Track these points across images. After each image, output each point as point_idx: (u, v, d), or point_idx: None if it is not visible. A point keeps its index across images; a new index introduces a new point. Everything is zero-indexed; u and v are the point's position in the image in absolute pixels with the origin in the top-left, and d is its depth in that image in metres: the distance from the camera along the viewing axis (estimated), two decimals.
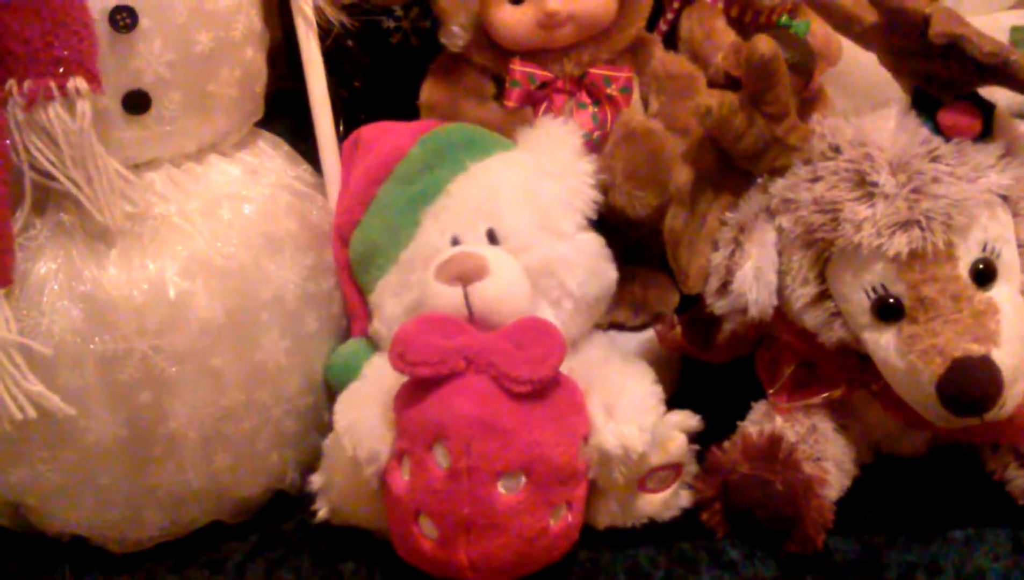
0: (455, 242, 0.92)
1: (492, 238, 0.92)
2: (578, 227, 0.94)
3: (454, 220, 0.94)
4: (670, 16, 1.13)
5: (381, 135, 1.02)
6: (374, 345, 0.98)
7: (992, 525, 0.88)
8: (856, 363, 0.89)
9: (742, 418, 0.95)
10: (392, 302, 0.95)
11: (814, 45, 1.07)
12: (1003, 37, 1.18)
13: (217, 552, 0.95)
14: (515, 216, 0.93)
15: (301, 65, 1.06)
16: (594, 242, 0.95)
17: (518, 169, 0.96)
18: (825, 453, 0.91)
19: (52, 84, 0.85)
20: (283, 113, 1.09)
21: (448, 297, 0.88)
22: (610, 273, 0.96)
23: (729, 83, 1.04)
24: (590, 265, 0.94)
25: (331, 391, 0.96)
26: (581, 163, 0.96)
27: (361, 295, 1.00)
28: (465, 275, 0.88)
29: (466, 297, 0.88)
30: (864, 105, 0.94)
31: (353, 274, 1.01)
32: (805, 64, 1.06)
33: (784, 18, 1.10)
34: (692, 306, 0.98)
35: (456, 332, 0.86)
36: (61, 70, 0.85)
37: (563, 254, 0.92)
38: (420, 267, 0.92)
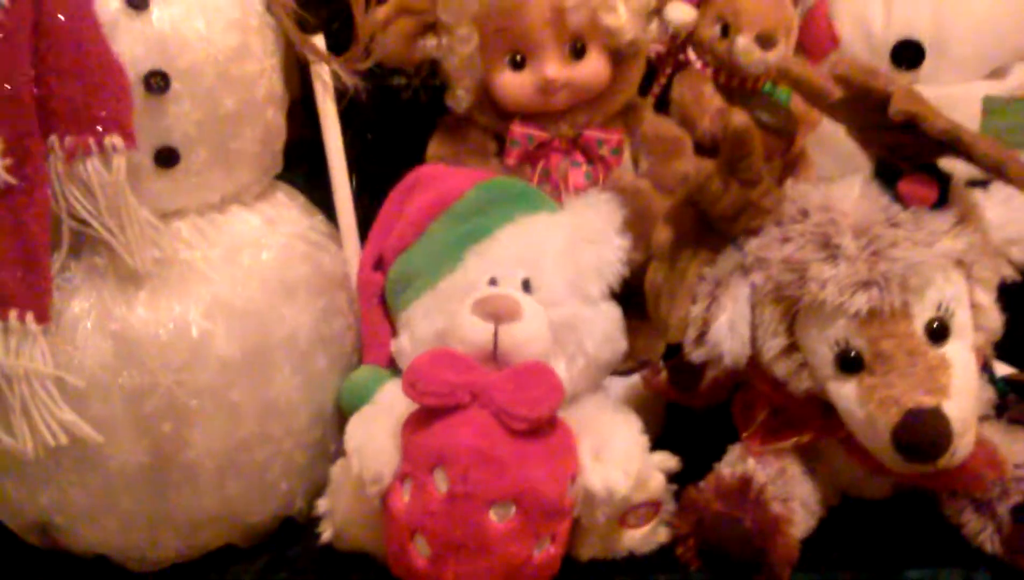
0: (493, 283, 0.96)
1: (526, 286, 0.96)
2: (603, 295, 0.98)
3: (495, 263, 0.97)
4: (663, 80, 1.19)
5: (442, 176, 1.06)
6: (386, 373, 1.01)
7: (948, 565, 0.92)
8: (823, 411, 0.91)
9: (719, 460, 0.97)
10: (423, 322, 0.98)
11: (795, 110, 1.13)
12: (977, 106, 1.22)
13: (228, 574, 0.98)
14: (551, 272, 0.96)
15: (316, 117, 1.10)
16: (615, 312, 0.98)
17: (561, 230, 0.99)
18: (793, 494, 0.93)
19: (91, 141, 0.88)
20: (299, 162, 1.12)
21: (479, 330, 0.92)
22: (622, 343, 0.99)
23: (716, 145, 1.08)
24: (607, 332, 0.97)
25: (340, 419, 0.99)
26: (618, 237, 0.99)
27: (384, 320, 1.03)
28: (499, 314, 0.92)
29: (496, 334, 0.92)
30: (844, 165, 0.98)
31: (386, 295, 1.04)
32: (787, 128, 1.12)
33: (767, 85, 1.16)
34: (677, 354, 1.00)
35: (466, 369, 0.89)
36: (100, 128, 0.88)
37: (587, 316, 0.96)
38: (456, 298, 0.95)
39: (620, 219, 1.00)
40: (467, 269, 0.98)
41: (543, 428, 0.88)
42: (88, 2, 0.89)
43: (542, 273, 0.97)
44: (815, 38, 1.27)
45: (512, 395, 0.87)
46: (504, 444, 0.86)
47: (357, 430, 0.92)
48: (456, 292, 0.97)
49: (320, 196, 1.13)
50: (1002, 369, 1.05)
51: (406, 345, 0.99)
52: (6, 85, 0.88)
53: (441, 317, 0.97)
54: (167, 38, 0.92)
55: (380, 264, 1.06)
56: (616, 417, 0.95)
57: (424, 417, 0.88)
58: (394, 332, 1.03)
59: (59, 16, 0.88)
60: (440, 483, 0.86)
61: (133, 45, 0.91)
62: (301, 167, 1.13)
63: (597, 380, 1.00)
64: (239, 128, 0.98)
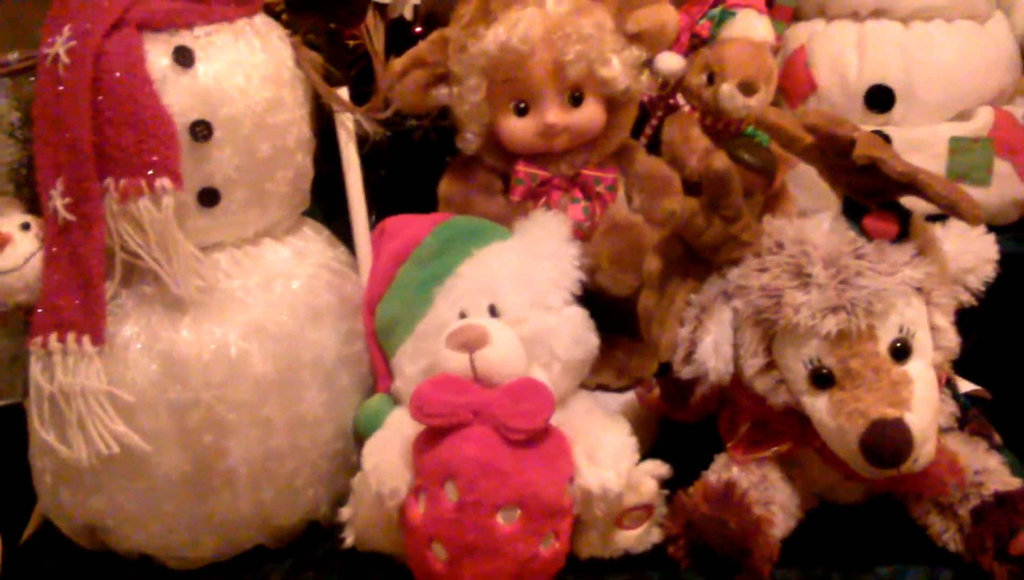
0: (462, 315, 1.02)
1: (493, 312, 1.02)
2: (565, 302, 1.04)
3: (461, 297, 1.04)
4: (654, 123, 1.28)
5: (402, 225, 1.13)
6: (396, 400, 1.07)
7: (914, 563, 0.98)
8: (799, 423, 0.97)
9: (707, 468, 1.03)
10: (410, 366, 1.05)
11: (776, 150, 1.19)
12: (944, 146, 1.29)
13: (259, 571, 1.05)
14: (512, 294, 1.02)
15: (333, 153, 1.17)
16: (578, 314, 1.05)
17: (514, 254, 1.06)
18: (773, 498, 0.99)
19: (143, 183, 0.95)
20: (319, 195, 1.18)
21: (456, 361, 0.98)
22: (592, 340, 1.05)
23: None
24: (575, 334, 1.03)
25: (359, 437, 1.05)
26: (568, 248, 1.06)
27: (385, 358, 1.10)
28: (470, 343, 0.98)
29: (472, 361, 0.98)
30: (821, 200, 1.05)
31: (378, 340, 1.10)
32: (768, 167, 1.19)
33: (750, 128, 1.23)
34: (668, 373, 1.03)
35: (465, 390, 0.96)
36: (151, 172, 0.96)
37: (552, 325, 1.02)
38: (433, 337, 1.02)
39: (567, 231, 1.07)
40: (437, 308, 1.05)
41: (539, 437, 0.94)
42: (140, 60, 0.97)
43: (504, 296, 1.03)
44: (794, 84, 1.36)
45: (509, 410, 0.94)
46: (505, 454, 0.93)
47: (373, 452, 0.99)
48: (432, 332, 1.03)
49: (337, 226, 1.20)
50: (964, 386, 1.12)
51: (401, 387, 1.06)
52: (67, 134, 0.96)
53: (424, 358, 1.03)
54: (210, 92, 1.00)
55: None
56: (605, 421, 1.01)
57: (431, 436, 0.95)
58: (391, 375, 1.09)
59: (115, 73, 0.96)
60: (451, 493, 0.92)
61: (180, 98, 0.99)
62: (319, 199, 1.19)
63: (577, 379, 1.06)
64: (273, 171, 1.06)
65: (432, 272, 1.07)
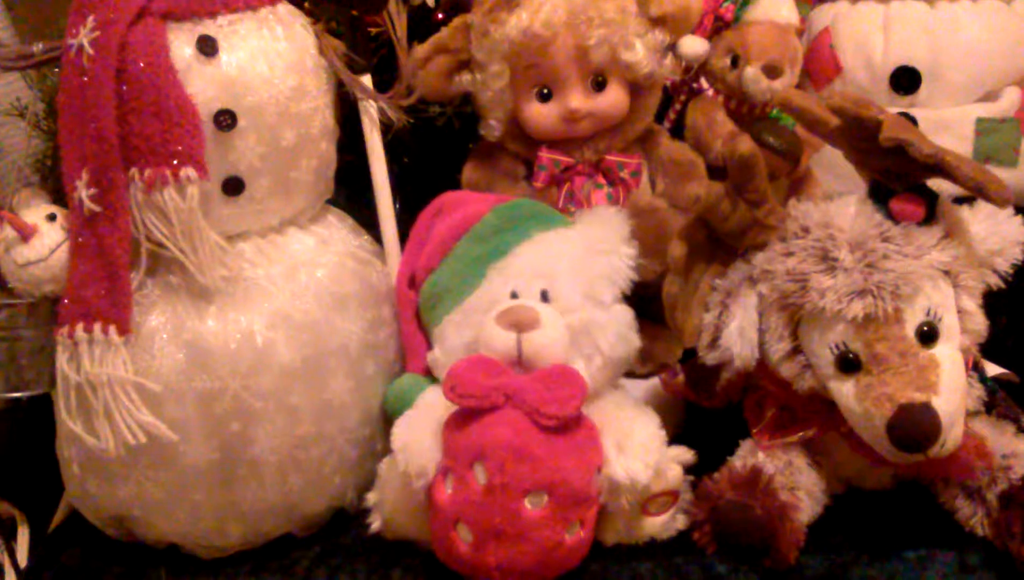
0: (514, 295, 1.02)
1: (544, 297, 1.02)
2: (615, 299, 1.04)
3: (515, 277, 1.04)
4: (678, 107, 1.27)
5: (462, 201, 1.13)
6: (425, 380, 1.07)
7: (942, 547, 0.98)
8: (826, 408, 0.98)
9: (733, 454, 1.03)
10: (454, 335, 1.05)
11: (800, 133, 1.19)
12: (970, 127, 1.29)
13: (287, 559, 1.05)
14: (566, 282, 1.03)
15: (357, 141, 1.17)
16: (626, 313, 1.05)
17: (573, 243, 1.06)
18: (799, 484, 0.99)
19: (168, 172, 0.96)
20: (343, 183, 1.18)
21: (504, 339, 0.98)
22: (635, 340, 1.05)
23: (727, 167, 1.16)
24: (620, 332, 1.03)
25: (387, 420, 1.06)
26: (626, 246, 1.06)
27: (421, 333, 1.10)
28: (521, 324, 0.98)
29: (519, 342, 0.98)
30: (846, 183, 1.05)
31: (420, 312, 1.10)
32: (793, 150, 1.19)
33: (775, 111, 1.22)
34: (694, 358, 1.06)
35: (499, 373, 0.96)
36: (175, 161, 0.96)
37: (600, 320, 1.02)
38: (482, 311, 1.02)
39: (627, 230, 1.07)
40: (490, 285, 1.05)
41: (570, 424, 0.95)
42: (164, 49, 0.97)
43: (558, 284, 1.03)
44: (819, 66, 1.34)
45: (542, 395, 0.94)
46: (536, 440, 0.93)
47: (402, 431, 0.99)
48: (481, 306, 1.03)
49: (361, 215, 1.20)
50: (992, 369, 1.12)
51: (440, 357, 1.06)
52: (92, 124, 0.97)
53: (469, 330, 1.03)
54: (234, 81, 1.00)
55: (413, 282, 1.13)
56: (636, 413, 1.01)
57: (463, 417, 0.95)
58: (429, 345, 1.09)
59: (139, 63, 0.96)
60: (479, 476, 0.93)
61: (204, 87, 0.99)
62: (344, 187, 1.19)
63: (615, 376, 1.06)
64: (297, 159, 1.06)
65: (490, 248, 1.07)
